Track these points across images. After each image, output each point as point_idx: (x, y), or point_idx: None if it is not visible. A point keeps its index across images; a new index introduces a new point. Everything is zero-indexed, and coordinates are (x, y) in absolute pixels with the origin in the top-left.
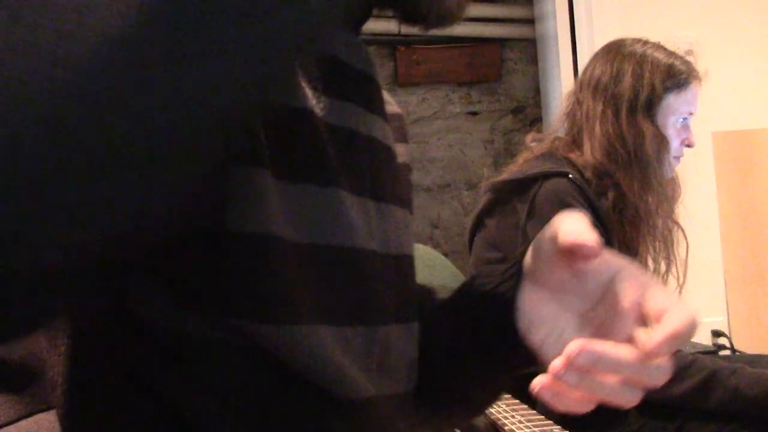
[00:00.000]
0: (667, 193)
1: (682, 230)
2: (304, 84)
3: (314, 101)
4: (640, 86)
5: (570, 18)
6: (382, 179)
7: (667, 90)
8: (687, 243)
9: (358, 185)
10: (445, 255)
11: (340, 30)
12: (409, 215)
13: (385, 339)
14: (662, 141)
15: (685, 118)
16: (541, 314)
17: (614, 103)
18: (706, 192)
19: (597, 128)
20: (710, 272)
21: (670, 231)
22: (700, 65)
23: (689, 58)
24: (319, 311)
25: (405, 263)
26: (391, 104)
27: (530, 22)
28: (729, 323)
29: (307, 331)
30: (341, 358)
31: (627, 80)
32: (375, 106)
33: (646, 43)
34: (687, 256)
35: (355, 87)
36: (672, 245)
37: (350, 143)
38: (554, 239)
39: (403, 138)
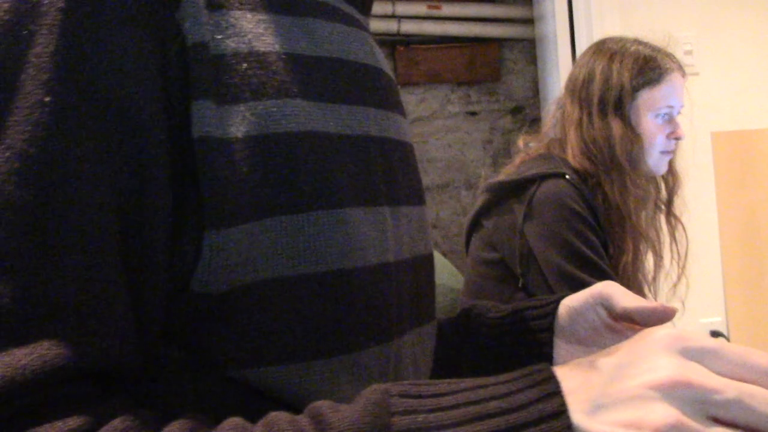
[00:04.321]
0: (640, 194)
1: (682, 224)
2: (305, 101)
3: (320, 115)
4: (609, 86)
5: (569, 18)
6: (397, 181)
7: (639, 87)
8: (687, 240)
9: (372, 194)
10: (444, 255)
11: (343, 23)
12: (424, 210)
13: (398, 351)
14: (634, 140)
15: (666, 113)
16: None
17: (587, 106)
18: (706, 192)
19: (572, 132)
20: (709, 272)
21: (655, 230)
22: (699, 64)
23: (669, 51)
24: (329, 342)
25: (420, 264)
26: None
27: (529, 22)
28: (727, 323)
29: (298, 369)
30: (345, 388)
31: (597, 81)
32: (387, 101)
33: (621, 40)
34: (686, 254)
35: (363, 85)
36: (659, 244)
37: (363, 151)
38: (603, 306)
39: None
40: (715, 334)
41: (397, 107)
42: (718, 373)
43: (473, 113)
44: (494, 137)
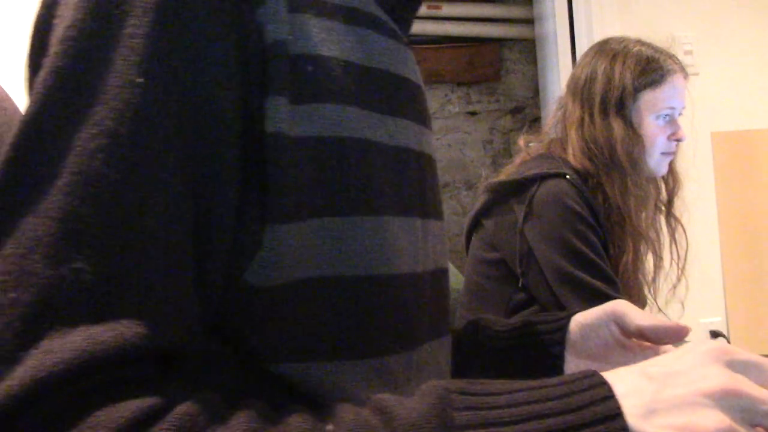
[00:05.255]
0: (640, 194)
1: (681, 225)
2: (359, 109)
3: (371, 124)
4: (611, 86)
5: (569, 18)
6: (427, 195)
7: (641, 88)
8: (687, 241)
9: (408, 205)
10: None
11: (391, 38)
12: (444, 226)
13: (418, 359)
14: (635, 141)
15: (667, 114)
16: None
17: (589, 106)
18: (705, 192)
19: (573, 132)
20: (709, 272)
21: (655, 231)
22: (699, 64)
23: (671, 53)
24: (361, 344)
25: (440, 277)
26: None
27: (529, 22)
28: (727, 323)
29: (331, 368)
30: (373, 391)
31: (599, 81)
32: (423, 116)
33: (624, 40)
34: (686, 254)
35: (408, 100)
36: (659, 245)
37: (403, 163)
38: (616, 323)
39: None
40: (715, 334)
41: (429, 123)
42: (761, 385)
43: (473, 113)
44: (494, 137)
